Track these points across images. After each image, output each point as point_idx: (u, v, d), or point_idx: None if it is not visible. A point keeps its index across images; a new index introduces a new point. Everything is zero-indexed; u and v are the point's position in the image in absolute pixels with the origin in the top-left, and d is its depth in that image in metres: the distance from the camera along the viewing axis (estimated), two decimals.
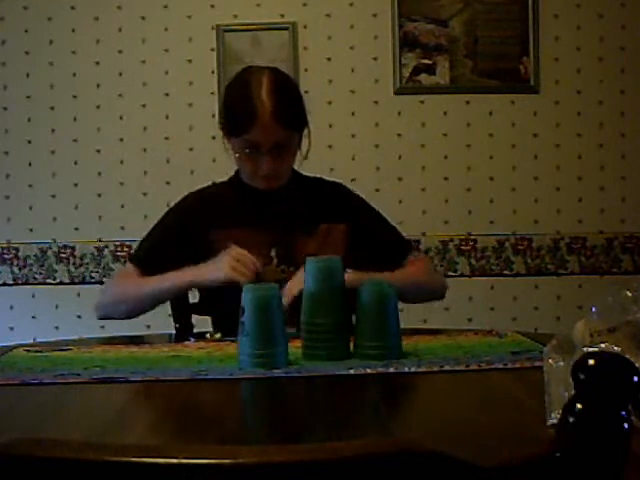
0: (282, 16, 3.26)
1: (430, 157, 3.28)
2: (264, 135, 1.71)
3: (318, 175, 1.94)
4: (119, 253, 3.27)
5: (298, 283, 1.51)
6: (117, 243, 3.27)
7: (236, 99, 1.78)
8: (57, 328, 3.24)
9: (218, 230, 1.79)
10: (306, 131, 1.82)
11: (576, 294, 3.25)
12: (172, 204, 1.93)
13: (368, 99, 3.27)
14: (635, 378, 0.61)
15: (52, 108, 3.28)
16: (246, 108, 1.72)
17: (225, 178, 1.93)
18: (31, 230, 3.29)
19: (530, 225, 3.29)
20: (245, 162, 1.78)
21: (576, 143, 3.29)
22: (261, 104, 1.70)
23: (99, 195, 3.29)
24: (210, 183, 1.96)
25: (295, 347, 1.37)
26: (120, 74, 3.27)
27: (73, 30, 3.27)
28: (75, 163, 3.28)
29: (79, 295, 3.28)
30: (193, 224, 1.82)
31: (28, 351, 1.49)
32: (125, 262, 3.25)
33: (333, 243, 1.80)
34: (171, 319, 1.97)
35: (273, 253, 1.79)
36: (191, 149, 3.25)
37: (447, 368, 1.25)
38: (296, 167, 1.88)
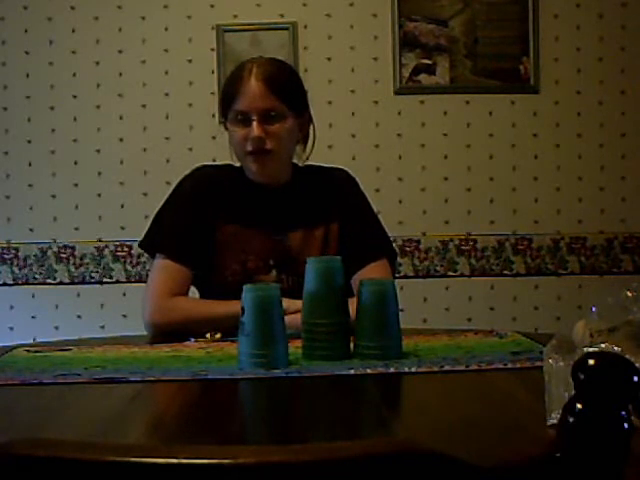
0: (282, 16, 3.26)
1: (430, 157, 3.29)
2: (252, 100, 1.70)
3: (318, 164, 1.89)
4: (119, 253, 3.27)
5: (297, 314, 1.46)
6: (117, 243, 3.27)
7: (229, 77, 1.80)
8: (57, 328, 3.24)
9: (224, 224, 1.79)
10: (306, 129, 1.80)
11: (576, 294, 3.25)
12: (183, 181, 1.85)
13: (368, 99, 3.27)
14: (635, 378, 0.61)
15: (52, 108, 3.28)
16: (237, 79, 1.74)
17: (238, 163, 1.85)
18: (31, 230, 3.29)
19: (530, 225, 3.29)
20: (237, 139, 1.74)
21: (576, 143, 3.29)
22: (251, 73, 1.72)
23: (99, 195, 3.29)
24: (224, 163, 1.87)
25: (295, 347, 1.37)
26: (120, 74, 3.27)
27: (73, 30, 3.27)
28: (75, 163, 3.29)
29: (79, 295, 3.28)
30: (205, 213, 1.79)
31: (28, 351, 1.49)
32: (123, 262, 3.26)
33: (331, 248, 1.79)
34: None
35: (272, 262, 1.78)
36: (191, 149, 3.25)
37: (447, 368, 1.25)
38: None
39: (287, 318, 1.35)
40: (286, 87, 1.75)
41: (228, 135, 1.79)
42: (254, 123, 1.71)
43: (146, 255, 1.97)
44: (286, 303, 1.38)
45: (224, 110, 1.78)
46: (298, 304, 1.44)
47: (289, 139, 1.78)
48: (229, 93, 1.75)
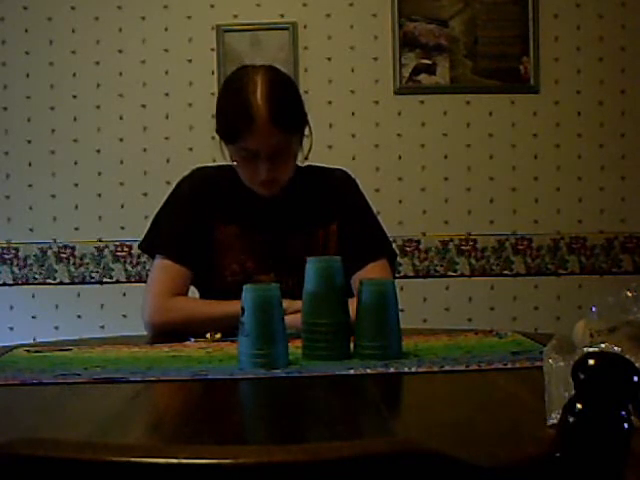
0: (282, 16, 3.26)
1: (430, 157, 3.29)
2: (262, 141, 1.65)
3: (318, 164, 1.88)
4: (119, 253, 3.27)
5: (298, 314, 1.46)
6: (117, 243, 3.27)
7: (230, 104, 1.71)
8: (57, 328, 3.24)
9: (223, 224, 1.79)
10: (307, 131, 1.80)
11: (576, 294, 3.25)
12: (181, 182, 1.86)
13: (368, 99, 3.27)
14: (635, 378, 0.60)
15: (52, 108, 3.28)
16: (241, 114, 1.65)
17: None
18: (31, 230, 3.29)
19: (530, 225, 3.29)
20: (243, 168, 1.74)
21: (576, 143, 3.29)
22: (256, 109, 1.63)
23: (99, 195, 3.29)
24: (223, 163, 1.85)
25: (295, 347, 1.37)
26: (120, 74, 3.27)
27: (73, 30, 3.27)
28: (75, 163, 3.29)
29: (79, 295, 3.28)
30: (204, 214, 1.79)
31: (28, 351, 1.49)
32: (123, 262, 3.26)
33: (331, 248, 1.79)
34: None
35: (271, 262, 1.78)
36: (191, 149, 3.25)
37: (447, 368, 1.25)
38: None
39: (287, 318, 1.35)
40: (291, 117, 1.70)
41: (227, 150, 1.76)
42: (264, 163, 1.69)
43: (146, 255, 1.97)
44: (286, 303, 1.38)
45: (225, 137, 1.73)
46: (298, 304, 1.44)
47: (295, 159, 1.78)
48: (233, 127, 1.68)
